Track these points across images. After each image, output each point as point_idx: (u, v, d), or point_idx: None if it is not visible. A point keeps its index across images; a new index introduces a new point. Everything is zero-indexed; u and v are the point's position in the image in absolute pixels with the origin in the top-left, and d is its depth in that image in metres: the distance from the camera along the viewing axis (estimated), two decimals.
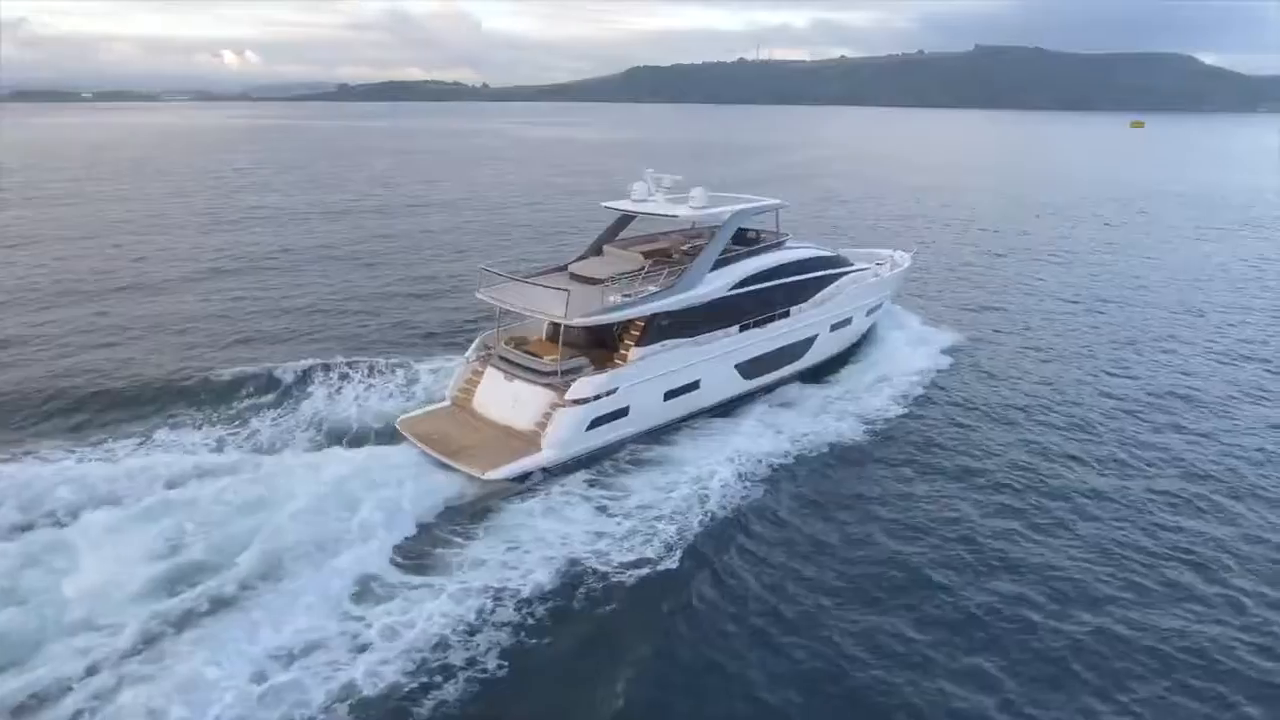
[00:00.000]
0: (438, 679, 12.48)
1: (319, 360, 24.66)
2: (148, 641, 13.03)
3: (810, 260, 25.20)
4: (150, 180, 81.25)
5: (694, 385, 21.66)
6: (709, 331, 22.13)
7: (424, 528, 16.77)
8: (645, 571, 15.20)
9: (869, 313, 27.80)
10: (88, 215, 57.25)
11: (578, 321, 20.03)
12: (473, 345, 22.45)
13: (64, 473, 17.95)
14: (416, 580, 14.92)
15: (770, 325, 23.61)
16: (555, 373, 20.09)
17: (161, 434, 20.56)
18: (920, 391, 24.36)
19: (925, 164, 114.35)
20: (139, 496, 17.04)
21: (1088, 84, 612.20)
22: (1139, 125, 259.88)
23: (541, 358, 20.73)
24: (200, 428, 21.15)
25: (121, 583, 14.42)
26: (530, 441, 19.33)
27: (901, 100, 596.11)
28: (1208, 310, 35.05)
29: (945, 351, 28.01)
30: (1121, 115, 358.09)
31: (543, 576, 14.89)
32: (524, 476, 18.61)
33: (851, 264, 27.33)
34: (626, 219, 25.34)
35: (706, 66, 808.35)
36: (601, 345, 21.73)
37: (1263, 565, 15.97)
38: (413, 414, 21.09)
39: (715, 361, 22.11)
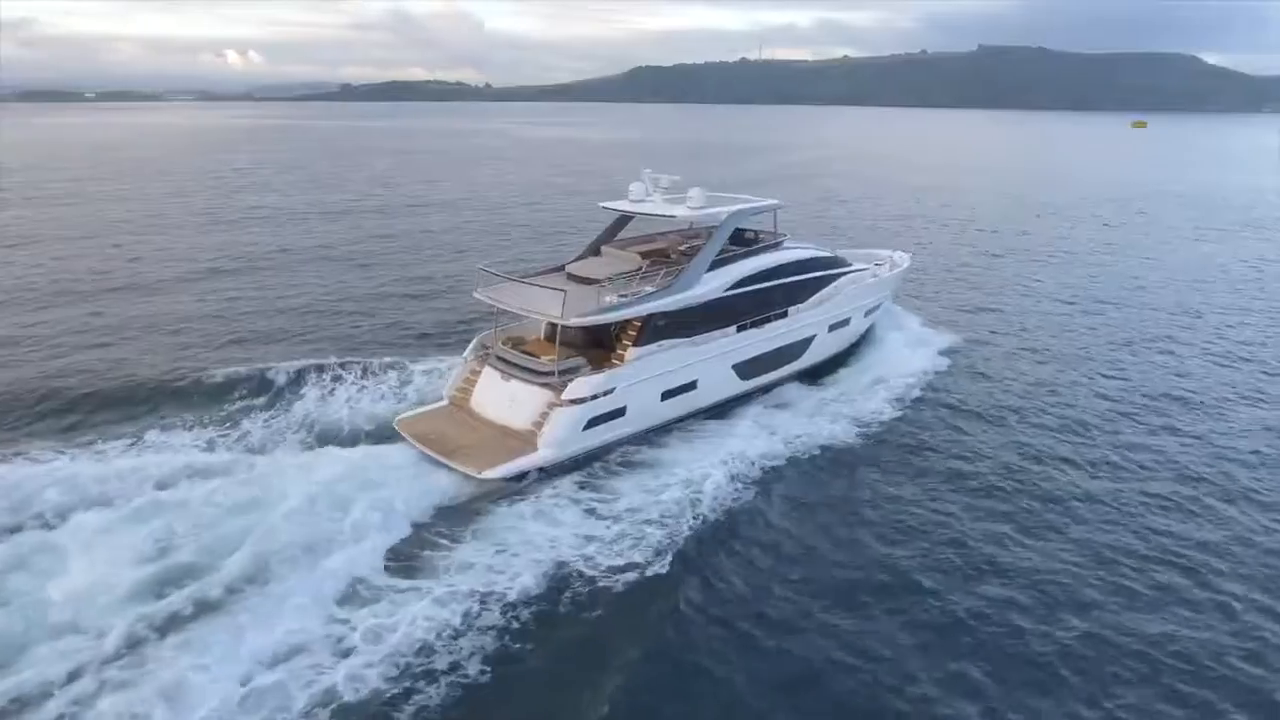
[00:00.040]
0: (420, 684, 12.39)
1: (313, 361, 24.61)
2: (131, 646, 12.94)
3: (808, 261, 25.16)
4: (151, 180, 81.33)
5: (691, 385, 21.66)
6: (706, 332, 22.11)
7: (417, 529, 16.68)
8: (632, 576, 15.10)
9: (867, 313, 27.75)
10: (87, 215, 57.31)
11: (574, 321, 20.05)
12: (470, 345, 22.46)
13: (54, 473, 17.90)
14: (404, 584, 14.82)
15: (768, 326, 23.58)
16: (552, 373, 20.10)
17: (153, 435, 20.44)
18: (916, 394, 24.23)
19: (925, 164, 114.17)
20: (129, 498, 16.99)
21: (1091, 84, 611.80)
22: (1141, 125, 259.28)
23: (539, 358, 20.75)
24: (191, 429, 21.07)
25: (108, 585, 14.34)
26: (527, 441, 19.35)
27: (904, 100, 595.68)
28: (1206, 312, 34.92)
29: (943, 353, 27.92)
30: (1124, 115, 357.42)
31: (529, 580, 14.79)
32: (520, 476, 18.62)
33: (850, 264, 27.28)
34: (624, 219, 25.34)
35: (709, 66, 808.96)
36: (599, 345, 21.74)
37: (1254, 569, 15.86)
38: (410, 413, 21.13)
39: (712, 362, 22.11)
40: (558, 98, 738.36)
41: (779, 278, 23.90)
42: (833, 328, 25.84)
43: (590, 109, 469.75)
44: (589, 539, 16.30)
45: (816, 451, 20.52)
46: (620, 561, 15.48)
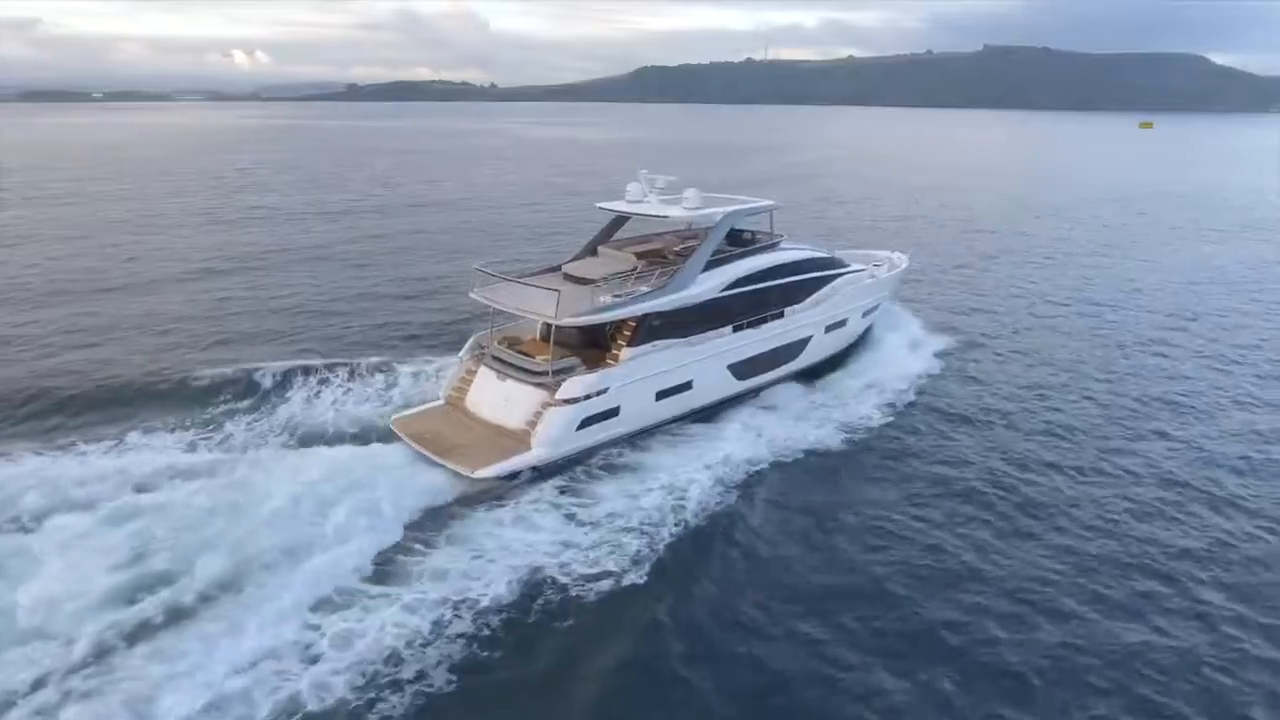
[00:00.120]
0: (385, 693, 12.27)
1: (300, 362, 24.60)
2: (100, 654, 12.81)
3: (805, 261, 25.13)
4: (152, 180, 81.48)
5: (686, 385, 21.65)
6: (701, 332, 22.11)
7: (402, 531, 16.53)
8: (608, 584, 14.94)
9: (865, 314, 27.66)
10: (87, 215, 57.45)
11: (568, 321, 20.12)
12: (467, 345, 22.52)
13: (34, 475, 17.86)
14: (376, 589, 14.69)
15: (764, 326, 23.56)
16: (547, 373, 20.15)
17: (135, 436, 20.34)
18: (908, 398, 24.04)
19: (926, 164, 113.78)
20: (109, 500, 16.90)
21: (1096, 84, 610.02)
22: (1148, 126, 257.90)
23: (534, 357, 20.84)
24: (174, 431, 20.95)
25: (81, 591, 14.20)
26: (521, 441, 19.40)
27: (910, 100, 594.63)
28: (1202, 314, 34.66)
29: (939, 355, 27.82)
30: (1130, 115, 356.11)
31: (503, 588, 14.63)
32: (513, 475, 18.67)
33: (847, 265, 27.22)
34: (621, 220, 25.37)
35: (714, 66, 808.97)
36: (595, 346, 21.76)
37: (1235, 578, 15.66)
38: (406, 413, 21.23)
39: (708, 362, 22.10)
40: (563, 98, 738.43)
41: (775, 278, 23.87)
42: (830, 328, 25.77)
43: (595, 109, 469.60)
44: (567, 545, 16.15)
45: (801, 456, 20.35)
46: (596, 570, 15.32)
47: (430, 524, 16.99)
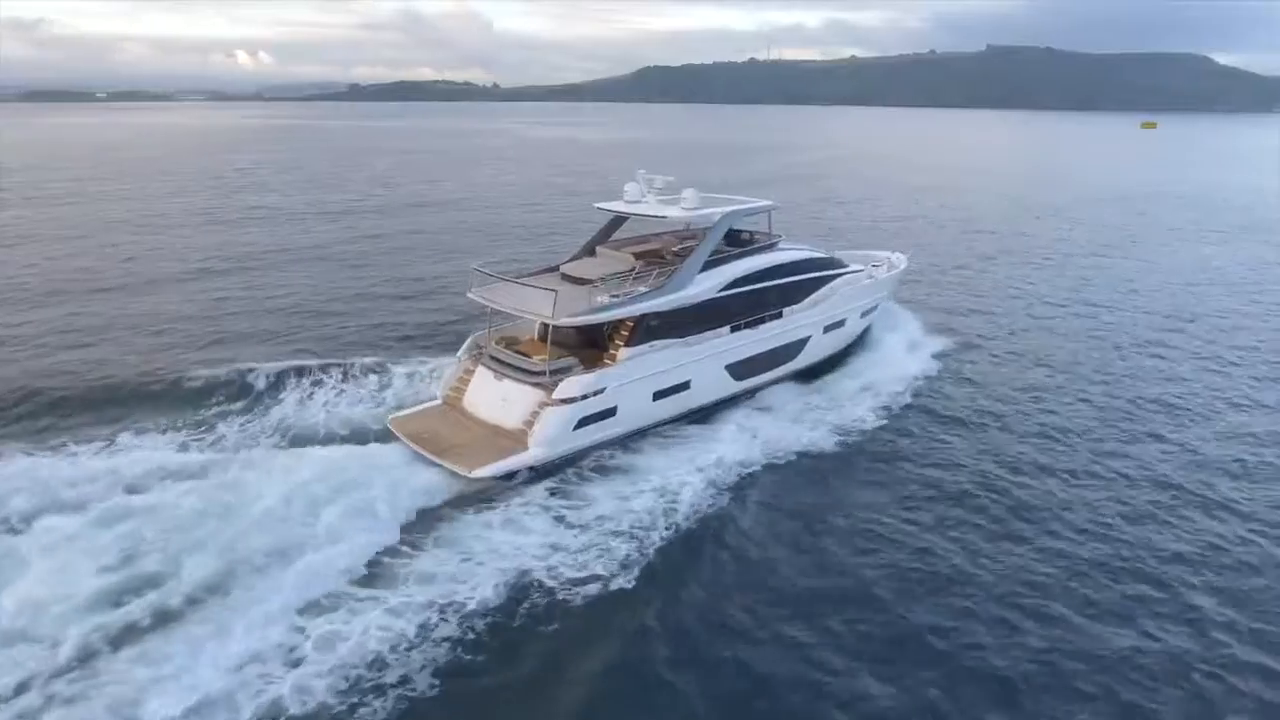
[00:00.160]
0: (368, 698, 12.18)
1: (294, 363, 24.56)
2: (84, 658, 12.73)
3: (804, 262, 25.12)
4: (152, 180, 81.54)
5: (684, 386, 21.66)
6: (699, 332, 22.13)
7: (399, 532, 16.46)
8: (595, 588, 14.82)
9: (864, 314, 27.64)
10: (86, 215, 57.45)
11: (564, 321, 20.14)
12: (465, 344, 22.56)
13: (25, 475, 17.78)
14: (363, 592, 14.60)
15: (762, 326, 23.56)
16: (544, 372, 20.17)
17: (127, 437, 20.27)
18: (904, 400, 23.90)
19: (927, 164, 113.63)
20: (99, 501, 16.84)
21: (1099, 84, 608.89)
22: (1151, 126, 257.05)
23: (531, 357, 20.87)
24: (165, 432, 20.89)
25: (67, 593, 14.15)
26: (518, 440, 19.43)
27: (913, 100, 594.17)
28: (1200, 315, 34.51)
29: (937, 356, 27.76)
30: (1133, 115, 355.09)
31: (489, 592, 14.52)
32: (511, 475, 18.68)
33: (846, 265, 27.19)
34: (619, 220, 25.37)
35: (717, 66, 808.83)
36: (593, 346, 21.79)
37: (1226, 583, 15.54)
38: (404, 412, 21.26)
39: (706, 362, 22.12)
40: (566, 98, 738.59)
41: (773, 278, 23.88)
42: (828, 329, 25.75)
43: (598, 109, 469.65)
44: (555, 548, 16.03)
45: (794, 458, 20.24)
46: (584, 574, 15.21)
47: (420, 525, 16.92)
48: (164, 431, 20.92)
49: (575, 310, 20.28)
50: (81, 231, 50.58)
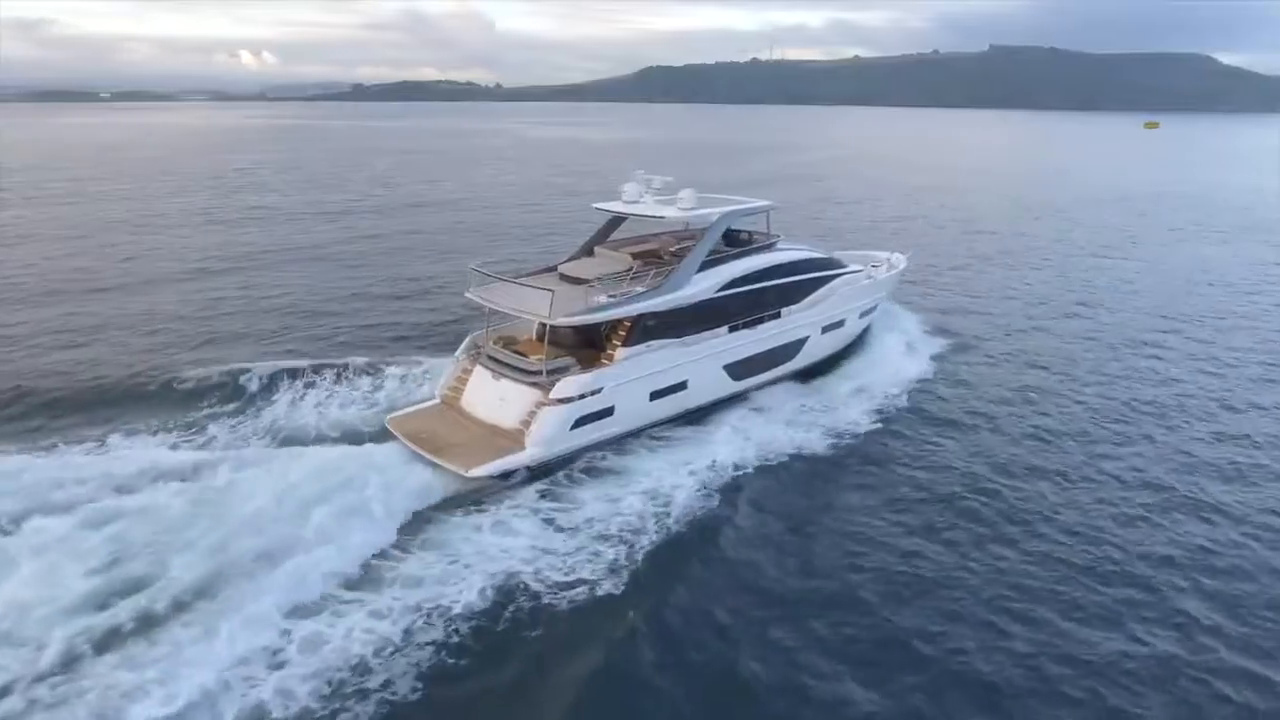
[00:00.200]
0: (350, 703, 12.13)
1: (286, 364, 24.46)
2: (68, 662, 12.66)
3: (802, 262, 25.11)
4: (152, 180, 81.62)
5: (681, 386, 21.67)
6: (697, 332, 22.13)
7: (390, 533, 16.40)
8: (582, 593, 14.73)
9: (863, 315, 27.61)
10: (86, 215, 57.49)
11: (561, 321, 20.16)
12: (463, 344, 22.59)
13: (14, 476, 17.69)
14: (349, 595, 14.53)
15: (760, 327, 23.55)
16: (541, 372, 20.18)
17: (117, 438, 20.15)
18: (901, 403, 23.76)
19: (928, 164, 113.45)
20: (88, 502, 16.77)
21: (1102, 84, 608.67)
22: (1154, 126, 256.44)
23: (529, 357, 20.89)
24: (156, 433, 20.83)
25: (53, 595, 14.08)
26: (515, 440, 19.44)
27: (915, 100, 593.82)
28: (1199, 316, 34.34)
29: (934, 358, 27.72)
30: (1135, 115, 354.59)
31: (474, 595, 14.45)
32: (507, 475, 18.68)
33: (845, 266, 27.16)
34: (617, 220, 25.39)
35: (719, 66, 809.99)
36: (591, 346, 21.80)
37: (1216, 587, 15.44)
38: (401, 412, 21.28)
39: (703, 362, 22.10)
40: (569, 98, 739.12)
41: (772, 279, 23.87)
42: (826, 329, 25.73)
43: (601, 109, 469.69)
44: (544, 552, 15.94)
45: (786, 460, 20.15)
46: (571, 578, 15.12)
47: (409, 527, 16.86)
48: (155, 433, 20.89)
49: (572, 310, 20.29)
50: (80, 231, 50.62)
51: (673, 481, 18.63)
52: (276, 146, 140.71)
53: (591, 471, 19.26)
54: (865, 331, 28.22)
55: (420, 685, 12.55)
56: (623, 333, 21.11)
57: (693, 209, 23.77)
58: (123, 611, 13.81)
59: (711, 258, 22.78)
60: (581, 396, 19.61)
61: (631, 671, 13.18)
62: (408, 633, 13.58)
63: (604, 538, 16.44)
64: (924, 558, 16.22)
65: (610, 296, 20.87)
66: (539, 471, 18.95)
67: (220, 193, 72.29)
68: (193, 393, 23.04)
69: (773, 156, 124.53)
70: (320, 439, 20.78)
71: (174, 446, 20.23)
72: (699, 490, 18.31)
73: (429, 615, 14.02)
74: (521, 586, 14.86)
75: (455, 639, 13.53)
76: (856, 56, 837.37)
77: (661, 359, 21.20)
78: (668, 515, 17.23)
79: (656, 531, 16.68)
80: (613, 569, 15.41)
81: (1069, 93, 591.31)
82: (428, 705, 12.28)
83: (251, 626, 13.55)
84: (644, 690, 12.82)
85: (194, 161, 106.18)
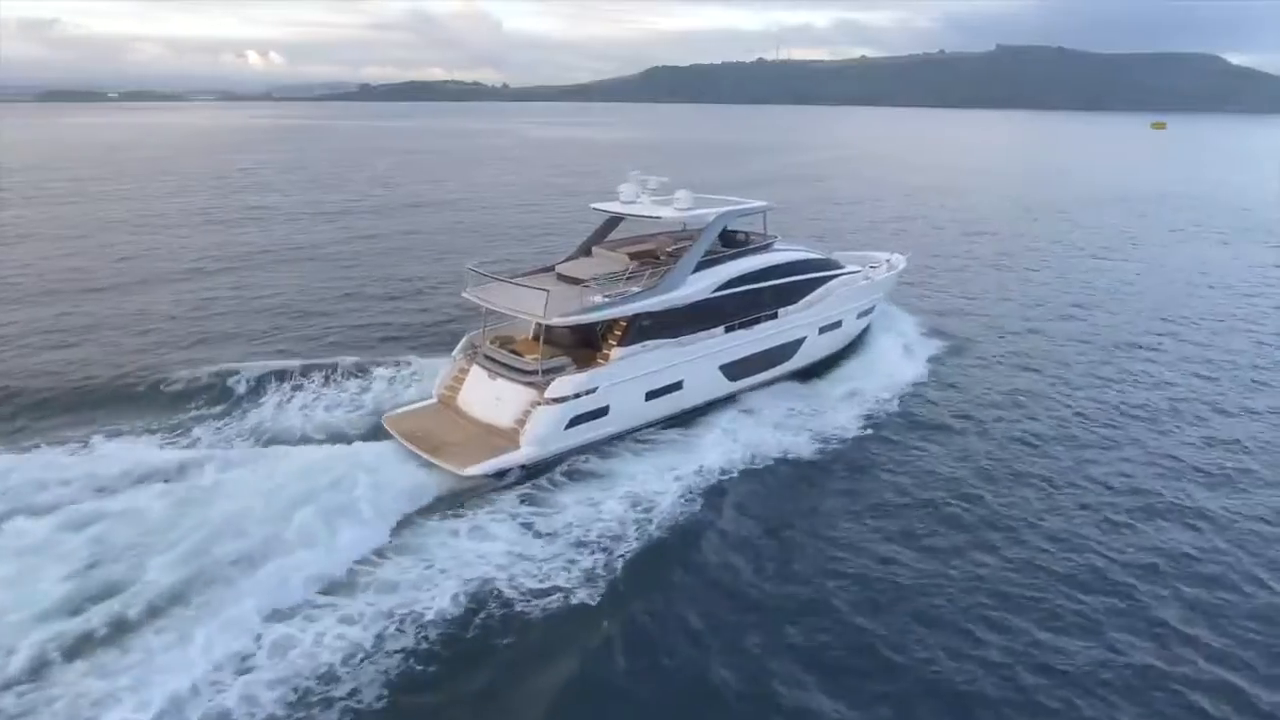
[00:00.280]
0: (315, 711, 12.04)
1: (275, 366, 24.43)
2: (37, 669, 12.57)
3: (799, 262, 25.05)
4: (153, 180, 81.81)
5: (677, 386, 21.66)
6: (693, 333, 22.10)
7: (384, 534, 16.32)
8: (556, 601, 14.59)
9: (860, 315, 27.51)
10: (85, 214, 57.70)
11: (557, 321, 20.20)
12: (460, 343, 22.63)
13: None
14: (322, 600, 14.43)
15: (757, 327, 23.51)
16: (537, 372, 20.22)
17: (102, 440, 20.06)
18: (893, 407, 23.64)
19: (930, 164, 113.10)
20: (70, 504, 16.78)
21: (1109, 84, 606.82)
22: (1160, 126, 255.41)
23: (525, 357, 20.93)
24: (142, 435, 20.81)
25: (28, 599, 14.01)
26: (511, 439, 19.48)
27: (922, 100, 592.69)
28: (1196, 318, 34.14)
29: (930, 360, 27.61)
30: (1144, 115, 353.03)
31: (447, 602, 14.32)
32: (502, 474, 18.71)
33: (843, 266, 27.06)
34: (615, 220, 25.43)
35: (725, 66, 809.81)
36: (587, 345, 21.82)
37: (1197, 595, 15.25)
38: (398, 411, 21.37)
39: (699, 362, 22.09)
40: (575, 98, 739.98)
41: (768, 279, 23.84)
42: (824, 330, 25.67)
43: (607, 109, 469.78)
44: (520, 558, 15.79)
45: (772, 464, 20.04)
46: (545, 585, 14.97)
47: (393, 529, 16.68)
48: (140, 434, 20.86)
49: (568, 310, 20.33)
50: (80, 231, 50.76)
51: (656, 486, 18.48)
52: (282, 146, 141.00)
53: (574, 475, 19.13)
54: (864, 332, 28.12)
55: (387, 693, 12.45)
56: (618, 333, 21.11)
57: (689, 209, 23.78)
58: (96, 616, 13.70)
59: (708, 258, 22.76)
60: (576, 396, 19.63)
61: (604, 679, 13.07)
62: (379, 639, 13.47)
63: (582, 544, 16.29)
64: (902, 564, 16.08)
65: (606, 296, 20.90)
66: (533, 471, 18.93)
67: (221, 193, 72.44)
68: (181, 394, 23.03)
69: (775, 156, 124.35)
70: (306, 440, 20.71)
71: (159, 447, 20.19)
72: (685, 495, 18.17)
73: (401, 622, 13.90)
74: (495, 593, 14.72)
75: (425, 646, 13.41)
76: (862, 56, 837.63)
77: (657, 359, 21.18)
78: (649, 521, 17.08)
79: (636, 538, 16.51)
80: (589, 577, 15.26)
81: (1076, 93, 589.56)
82: (394, 714, 12.17)
83: (230, 630, 13.46)
84: (616, 699, 12.72)
85: (199, 161, 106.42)
